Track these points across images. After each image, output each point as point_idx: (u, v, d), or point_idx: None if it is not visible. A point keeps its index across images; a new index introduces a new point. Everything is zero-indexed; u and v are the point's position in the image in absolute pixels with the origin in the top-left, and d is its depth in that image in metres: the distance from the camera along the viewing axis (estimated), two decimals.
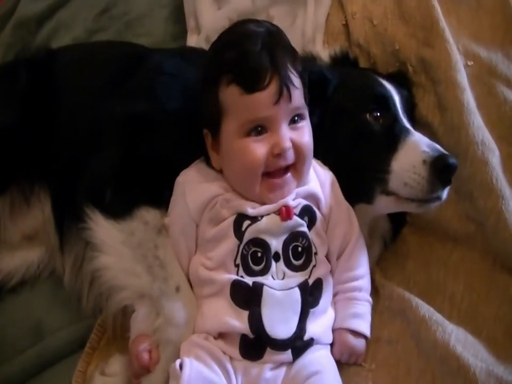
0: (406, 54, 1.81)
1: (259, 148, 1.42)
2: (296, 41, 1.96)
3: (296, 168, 1.47)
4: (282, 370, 1.39)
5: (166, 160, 1.60)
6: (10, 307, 1.84)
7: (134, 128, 1.66)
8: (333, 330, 1.50)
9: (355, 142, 1.62)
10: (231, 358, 1.40)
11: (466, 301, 1.57)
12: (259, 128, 1.43)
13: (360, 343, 1.51)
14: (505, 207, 1.57)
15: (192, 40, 2.34)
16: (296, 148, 1.45)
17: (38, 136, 1.83)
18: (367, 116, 1.61)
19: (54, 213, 1.82)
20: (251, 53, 1.41)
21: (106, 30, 2.62)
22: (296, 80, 1.44)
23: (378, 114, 1.61)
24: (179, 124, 1.63)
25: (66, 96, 1.87)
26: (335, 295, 1.54)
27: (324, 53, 1.89)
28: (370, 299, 1.56)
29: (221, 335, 1.43)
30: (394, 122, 1.62)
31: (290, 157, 1.44)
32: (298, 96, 1.45)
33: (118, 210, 1.56)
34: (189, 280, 1.52)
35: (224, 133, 1.47)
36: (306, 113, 1.50)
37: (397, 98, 1.66)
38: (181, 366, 1.35)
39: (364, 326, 1.52)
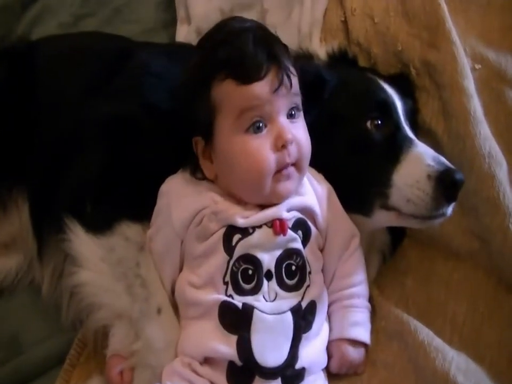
0: (409, 55, 1.72)
1: (263, 146, 1.33)
2: (291, 37, 1.91)
3: (298, 165, 1.38)
4: None
5: (150, 169, 1.50)
6: None
7: (118, 132, 1.57)
8: (331, 342, 1.43)
9: (353, 150, 1.52)
10: None
11: (468, 323, 1.49)
12: (258, 124, 1.33)
13: (359, 353, 1.44)
14: None
15: (182, 31, 2.25)
16: (297, 144, 1.36)
17: (16, 136, 1.73)
18: (368, 123, 1.51)
19: (32, 220, 1.72)
20: (246, 49, 1.34)
21: (93, 15, 2.53)
22: (293, 69, 1.37)
23: (380, 122, 1.51)
24: (166, 129, 1.53)
25: (47, 94, 1.76)
26: (330, 304, 1.46)
27: (321, 51, 1.79)
28: (369, 305, 1.48)
29: (207, 361, 1.34)
30: (396, 131, 1.52)
31: (293, 151, 1.35)
32: (296, 83, 1.38)
33: (98, 224, 1.48)
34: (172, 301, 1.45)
35: (219, 132, 1.37)
36: (300, 103, 1.41)
37: (399, 104, 1.56)
38: None
39: (364, 334, 1.45)
